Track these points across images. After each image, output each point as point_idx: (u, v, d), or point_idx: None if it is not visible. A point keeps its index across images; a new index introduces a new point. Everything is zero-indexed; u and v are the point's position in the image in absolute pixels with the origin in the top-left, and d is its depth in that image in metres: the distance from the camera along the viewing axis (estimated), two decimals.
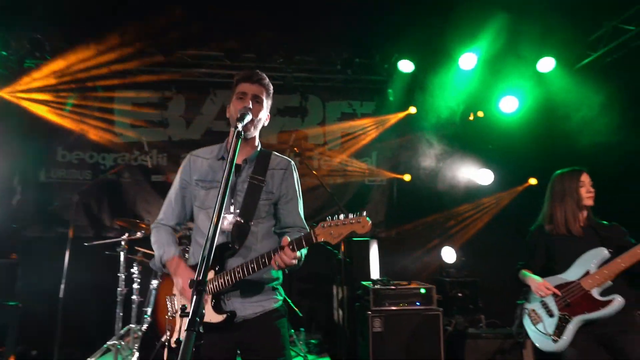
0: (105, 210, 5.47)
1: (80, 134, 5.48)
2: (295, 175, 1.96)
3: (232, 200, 1.80)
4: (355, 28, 5.17)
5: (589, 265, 2.22)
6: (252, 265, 1.64)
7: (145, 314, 3.95)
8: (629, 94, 4.61)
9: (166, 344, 1.67)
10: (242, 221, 1.76)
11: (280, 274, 1.89)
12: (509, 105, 5.60)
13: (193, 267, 1.78)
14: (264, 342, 1.72)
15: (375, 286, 3.76)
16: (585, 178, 2.38)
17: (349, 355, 3.93)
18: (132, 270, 3.96)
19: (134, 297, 3.94)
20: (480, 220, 5.78)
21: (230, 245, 1.73)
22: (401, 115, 5.81)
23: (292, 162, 1.99)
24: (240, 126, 1.61)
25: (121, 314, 3.73)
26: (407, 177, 5.67)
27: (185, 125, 5.85)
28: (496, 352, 3.52)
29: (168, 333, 1.67)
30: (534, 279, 2.35)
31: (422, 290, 3.76)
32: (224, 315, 1.65)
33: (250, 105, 1.76)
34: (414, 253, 5.52)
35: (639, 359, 2.06)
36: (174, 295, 1.76)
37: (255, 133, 1.89)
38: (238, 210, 1.78)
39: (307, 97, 6.00)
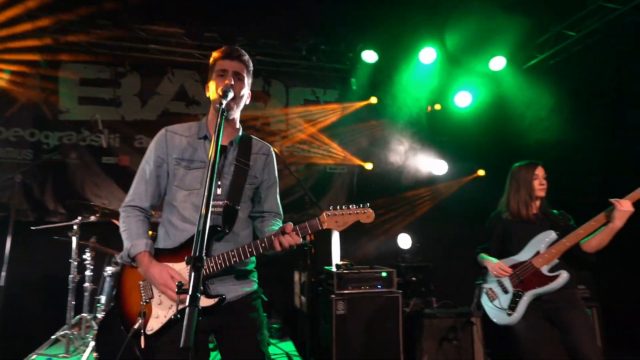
0: (48, 194, 5.06)
1: (19, 109, 5.00)
2: (275, 161, 1.98)
3: (219, 183, 1.75)
4: (321, 15, 5.15)
5: (539, 246, 2.46)
6: (250, 249, 1.63)
7: (99, 302, 3.75)
8: (570, 95, 5.04)
9: (141, 331, 1.58)
10: (231, 204, 1.73)
11: (254, 258, 1.87)
12: (464, 100, 5.91)
13: (166, 252, 1.70)
14: (245, 322, 1.72)
15: (339, 270, 3.84)
16: (539, 171, 2.59)
17: (311, 338, 4.01)
18: (84, 256, 3.72)
19: (86, 284, 3.71)
20: (434, 208, 6.09)
21: (219, 229, 1.69)
22: (363, 104, 5.91)
23: (272, 148, 1.98)
24: (224, 103, 1.58)
25: (73, 302, 3.50)
26: (368, 166, 5.81)
27: (140, 104, 5.53)
28: (449, 330, 3.77)
29: (141, 320, 1.59)
30: (490, 261, 2.57)
31: (384, 274, 3.91)
32: (215, 300, 1.61)
33: (232, 82, 1.71)
34: (373, 240, 5.70)
35: (579, 330, 2.31)
36: (147, 280, 1.67)
37: (238, 112, 1.84)
38: (226, 194, 1.74)
39: (270, 81, 5.92)
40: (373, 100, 5.83)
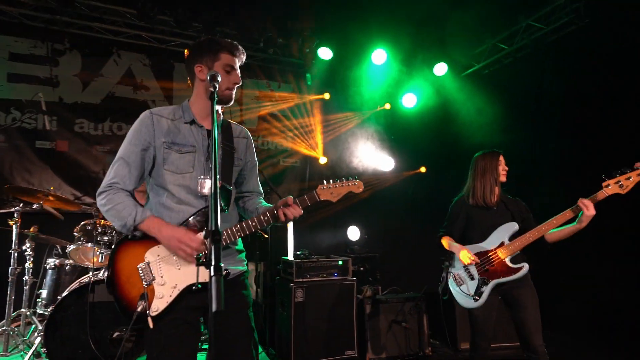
0: None
1: None
2: (253, 144, 2.05)
3: (210, 166, 1.77)
4: (280, 8, 5.20)
5: (503, 237, 2.63)
6: (254, 223, 1.71)
7: (39, 297, 3.47)
8: (500, 101, 5.62)
9: (146, 313, 1.57)
10: (225, 185, 1.78)
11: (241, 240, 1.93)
12: (410, 101, 6.32)
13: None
14: (237, 299, 1.76)
15: (298, 260, 3.95)
16: (502, 159, 2.81)
17: (269, 326, 4.08)
18: (23, 247, 3.41)
19: (25, 277, 3.41)
20: (381, 202, 6.42)
21: (221, 207, 1.72)
22: (316, 97, 6.04)
23: (249, 131, 2.04)
24: (233, 95, 1.80)
25: (13, 296, 3.19)
26: (322, 160, 5.98)
27: (82, 86, 5.13)
28: (398, 313, 4.06)
29: (143, 303, 1.57)
30: (458, 247, 2.69)
31: (340, 262, 4.09)
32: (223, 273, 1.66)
33: (239, 81, 1.83)
34: (324, 232, 5.88)
35: (527, 307, 2.55)
36: (146, 262, 1.65)
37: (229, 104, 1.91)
38: (219, 175, 1.77)
39: None
40: (326, 96, 5.99)
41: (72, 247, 3.30)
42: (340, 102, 5.97)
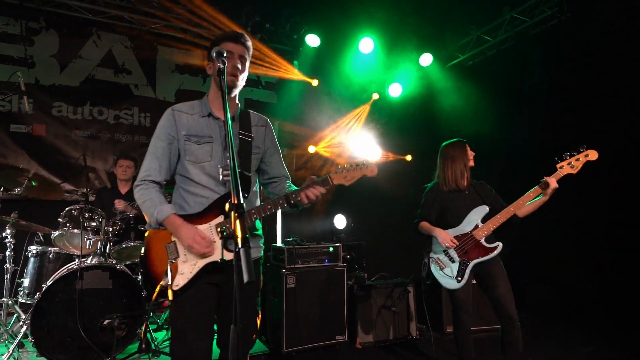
0: None
1: None
2: (273, 130, 2.10)
3: (227, 154, 1.84)
4: None
5: (477, 220, 2.80)
6: (269, 206, 1.79)
7: (20, 285, 3.32)
8: (486, 93, 5.74)
9: (168, 286, 1.69)
10: (244, 171, 1.86)
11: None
12: (396, 90, 6.36)
13: (191, 217, 1.80)
14: (249, 285, 1.80)
15: (290, 246, 3.94)
16: (468, 147, 3.00)
17: (260, 312, 4.06)
18: (4, 234, 3.25)
19: (7, 265, 3.26)
20: (366, 190, 6.47)
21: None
22: (305, 78, 5.97)
23: (268, 119, 2.10)
24: (237, 82, 1.83)
25: None
26: (311, 149, 5.95)
27: (59, 68, 4.90)
28: (387, 298, 4.13)
29: (167, 278, 1.68)
30: (438, 231, 2.83)
31: (331, 249, 4.11)
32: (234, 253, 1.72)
33: (240, 65, 1.85)
34: (311, 220, 5.89)
35: (499, 283, 2.74)
36: (174, 242, 1.76)
37: (238, 91, 1.95)
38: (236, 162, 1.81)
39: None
40: (314, 83, 5.94)
41: (56, 233, 3.17)
42: (328, 90, 5.94)
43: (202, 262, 1.72)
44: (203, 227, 1.76)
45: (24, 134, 4.66)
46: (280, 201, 1.78)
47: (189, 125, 1.87)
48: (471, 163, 2.96)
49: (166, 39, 5.41)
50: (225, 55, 1.65)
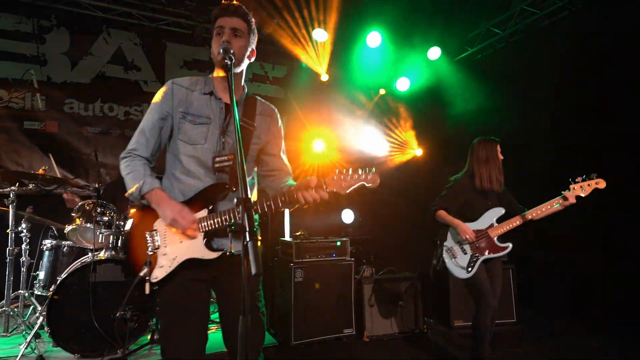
0: None
1: None
2: (280, 121, 1.95)
3: (223, 140, 1.73)
4: None
5: (492, 219, 2.95)
6: (268, 203, 1.64)
7: (36, 278, 3.42)
8: (495, 87, 5.68)
9: (146, 278, 1.61)
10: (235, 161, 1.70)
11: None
12: (403, 84, 6.33)
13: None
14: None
15: (297, 240, 3.98)
16: (499, 148, 3.04)
17: (268, 306, 4.11)
18: (20, 228, 3.34)
19: (23, 259, 3.35)
20: (382, 188, 6.47)
21: (227, 186, 1.70)
22: (312, 80, 5.98)
23: (276, 109, 1.96)
24: (228, 61, 1.55)
25: (12, 277, 3.13)
26: (317, 145, 5.96)
27: (70, 65, 4.98)
28: (395, 292, 4.15)
29: (146, 269, 1.61)
30: (462, 225, 2.90)
31: (338, 243, 4.13)
32: (219, 253, 1.64)
33: (228, 39, 1.66)
34: (319, 215, 5.90)
35: (497, 276, 2.96)
36: (155, 230, 1.67)
37: (238, 70, 1.79)
38: (230, 151, 1.73)
39: None
40: (324, 78, 5.93)
41: (70, 227, 3.25)
42: (335, 85, 5.94)
43: (182, 257, 1.62)
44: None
45: (37, 131, 4.75)
46: (282, 198, 1.64)
47: (188, 102, 1.73)
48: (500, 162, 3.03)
49: (174, 35, 5.45)
50: (228, 51, 1.55)
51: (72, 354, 2.84)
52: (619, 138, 4.31)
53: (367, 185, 1.66)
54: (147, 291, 1.60)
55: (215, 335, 2.57)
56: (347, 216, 5.90)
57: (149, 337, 3.08)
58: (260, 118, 1.86)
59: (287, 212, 5.20)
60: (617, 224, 4.38)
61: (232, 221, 1.62)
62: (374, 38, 5.77)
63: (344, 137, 6.09)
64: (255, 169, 1.93)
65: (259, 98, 1.92)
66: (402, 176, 6.44)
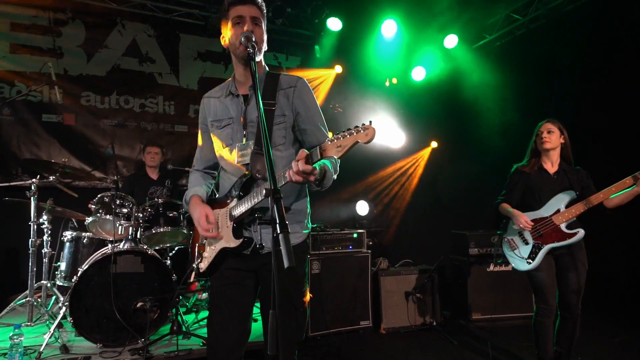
0: None
1: None
2: (308, 90, 1.79)
3: (245, 133, 1.73)
4: None
5: (560, 204, 2.72)
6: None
7: (57, 269, 3.48)
8: (515, 75, 5.53)
9: (194, 267, 1.76)
10: (259, 150, 1.68)
11: (306, 205, 1.83)
12: (419, 74, 6.21)
13: (214, 200, 1.84)
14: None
15: (314, 232, 3.96)
16: (543, 128, 2.83)
17: None
18: (41, 219, 3.39)
19: (44, 250, 3.41)
20: (390, 176, 6.42)
21: (247, 175, 1.69)
22: (327, 71, 5.93)
23: (303, 78, 1.81)
24: (251, 49, 1.52)
25: (35, 268, 3.19)
26: (330, 134, 5.90)
27: (86, 58, 5.00)
28: (411, 285, 4.12)
29: (199, 259, 1.76)
30: (516, 213, 2.76)
31: (355, 235, 4.11)
32: (240, 240, 1.65)
33: (252, 28, 1.63)
34: (333, 207, 5.89)
35: (578, 269, 2.68)
36: None
37: (259, 57, 1.74)
38: (252, 140, 1.72)
39: None
40: (338, 69, 5.87)
41: (90, 219, 3.28)
42: (349, 75, 5.86)
43: (218, 246, 1.71)
44: (221, 212, 1.75)
45: (54, 124, 4.80)
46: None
47: (215, 110, 1.84)
48: (544, 146, 2.78)
49: (188, 26, 5.42)
50: (251, 39, 1.52)
51: (95, 344, 2.88)
52: None
53: (361, 142, 1.37)
54: (191, 279, 1.78)
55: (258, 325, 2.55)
56: (362, 208, 5.86)
57: (169, 327, 3.10)
58: (282, 93, 1.75)
59: None
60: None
61: (251, 205, 1.60)
62: (389, 26, 5.64)
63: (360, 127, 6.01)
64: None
65: (283, 73, 1.83)
66: (418, 168, 6.37)
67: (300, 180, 1.42)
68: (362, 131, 1.37)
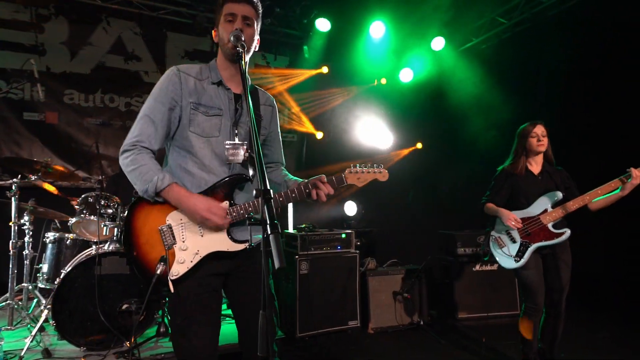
0: None
1: None
2: (277, 113, 1.97)
3: (236, 132, 1.70)
4: None
5: (547, 204, 2.77)
6: (281, 199, 1.66)
7: (39, 271, 3.39)
8: (501, 78, 5.61)
9: (167, 276, 1.55)
10: (251, 153, 1.67)
11: None
12: (407, 75, 6.25)
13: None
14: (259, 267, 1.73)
15: (302, 233, 3.95)
16: (537, 130, 2.85)
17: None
18: (22, 220, 3.30)
19: (26, 251, 3.32)
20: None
21: (245, 177, 1.68)
22: (314, 72, 5.93)
23: (274, 99, 1.95)
24: (240, 49, 1.53)
25: (16, 270, 3.10)
26: (319, 135, 5.91)
27: (70, 55, 4.89)
28: (399, 284, 4.14)
29: (162, 266, 1.54)
30: (504, 212, 2.80)
31: (343, 235, 4.11)
32: (243, 245, 1.63)
33: (241, 27, 1.63)
34: (321, 207, 5.88)
35: (564, 268, 2.74)
36: (168, 225, 1.62)
37: (247, 58, 1.72)
38: (245, 142, 1.71)
39: None
40: (324, 69, 5.87)
41: (73, 220, 3.21)
42: (338, 76, 5.86)
43: (205, 251, 1.59)
44: None
45: (36, 122, 4.69)
46: (293, 195, 1.67)
47: (198, 92, 1.67)
48: (539, 149, 2.83)
49: (175, 24, 5.36)
50: (240, 39, 1.53)
51: (78, 347, 2.82)
52: (630, 129, 4.25)
53: (379, 180, 1.83)
54: (172, 289, 1.55)
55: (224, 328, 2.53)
56: (350, 208, 5.87)
57: (155, 329, 3.05)
58: (264, 108, 1.85)
59: (290, 205, 5.18)
60: (630, 211, 4.33)
61: (252, 213, 1.60)
62: (377, 28, 5.68)
63: (346, 129, 6.03)
64: None
65: (259, 88, 1.90)
66: (405, 168, 6.41)
67: (324, 201, 1.68)
68: (380, 172, 1.81)
